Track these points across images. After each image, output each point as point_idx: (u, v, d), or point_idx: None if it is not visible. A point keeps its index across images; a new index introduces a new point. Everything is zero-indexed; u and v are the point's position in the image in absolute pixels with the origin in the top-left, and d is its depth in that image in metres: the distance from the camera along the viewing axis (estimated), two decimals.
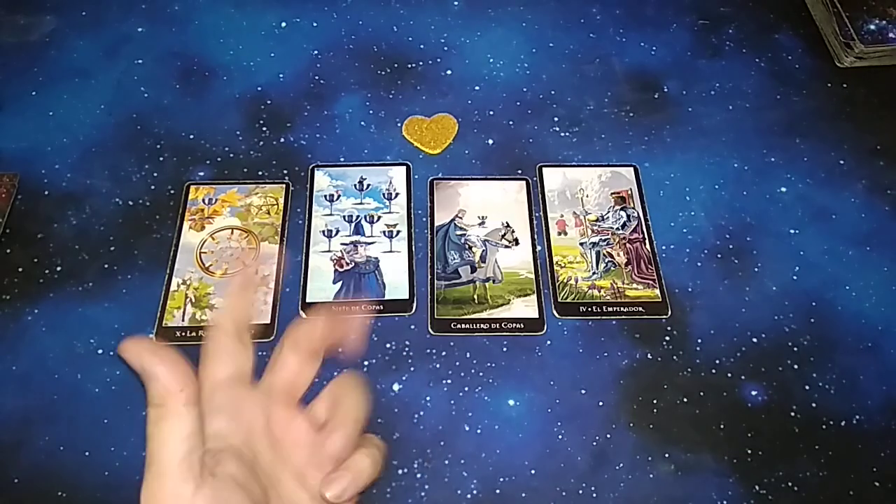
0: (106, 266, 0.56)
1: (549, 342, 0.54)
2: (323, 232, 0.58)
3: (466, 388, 0.52)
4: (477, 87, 0.68)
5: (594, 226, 0.60)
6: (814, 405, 0.52)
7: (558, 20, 0.73)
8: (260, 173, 0.62)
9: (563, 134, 0.65)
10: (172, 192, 0.60)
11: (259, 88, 0.67)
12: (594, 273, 0.57)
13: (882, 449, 0.50)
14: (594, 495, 0.48)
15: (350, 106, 0.66)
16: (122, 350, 0.32)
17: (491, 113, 0.66)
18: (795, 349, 0.54)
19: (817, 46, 0.72)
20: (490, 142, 0.64)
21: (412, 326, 0.54)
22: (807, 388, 0.53)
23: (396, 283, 0.56)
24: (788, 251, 0.59)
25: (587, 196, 0.61)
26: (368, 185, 0.61)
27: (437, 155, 0.63)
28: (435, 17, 0.73)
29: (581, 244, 0.59)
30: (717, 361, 0.54)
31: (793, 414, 0.52)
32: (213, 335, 0.34)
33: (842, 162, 0.65)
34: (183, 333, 0.53)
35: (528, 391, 0.52)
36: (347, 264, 0.57)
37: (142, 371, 0.31)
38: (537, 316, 0.55)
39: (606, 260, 0.58)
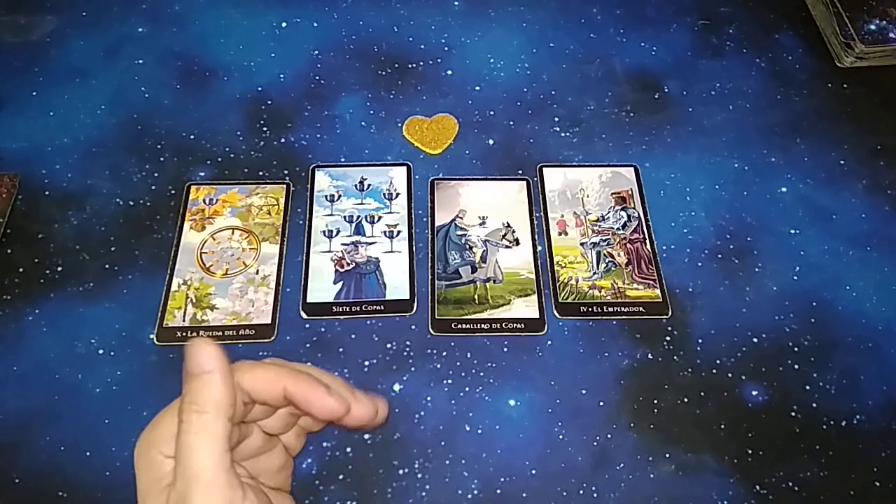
0: (106, 266, 0.56)
1: (549, 342, 0.54)
2: (323, 232, 0.58)
3: (467, 388, 0.52)
4: (477, 88, 0.68)
5: (595, 226, 0.60)
6: (814, 405, 0.52)
7: (559, 20, 0.73)
8: (260, 173, 0.62)
9: (563, 134, 0.65)
10: (173, 192, 0.60)
11: (260, 88, 0.67)
12: (595, 273, 0.57)
13: (883, 449, 0.51)
14: (595, 495, 0.48)
15: (350, 106, 0.66)
16: (195, 348, 0.31)
17: (491, 113, 0.66)
18: (796, 349, 0.54)
19: (818, 46, 0.72)
20: (490, 142, 0.64)
21: (413, 326, 0.54)
22: (807, 388, 0.53)
23: (397, 284, 0.56)
24: (789, 251, 0.59)
25: (588, 196, 0.61)
26: (369, 186, 0.61)
27: (437, 155, 0.63)
28: (435, 17, 0.73)
29: (582, 244, 0.59)
30: (718, 361, 0.54)
31: (793, 414, 0.52)
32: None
33: (842, 162, 0.65)
34: (183, 334, 0.53)
35: (528, 391, 0.52)
36: (348, 264, 0.57)
37: (201, 372, 0.31)
38: (538, 316, 0.55)
39: (607, 260, 0.58)
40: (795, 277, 0.58)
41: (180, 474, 0.30)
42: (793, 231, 0.60)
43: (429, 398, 0.51)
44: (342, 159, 0.63)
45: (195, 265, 0.56)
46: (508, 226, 0.59)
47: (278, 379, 0.33)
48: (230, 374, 0.32)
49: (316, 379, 0.33)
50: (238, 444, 0.35)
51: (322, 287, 0.56)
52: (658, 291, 0.56)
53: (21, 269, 0.56)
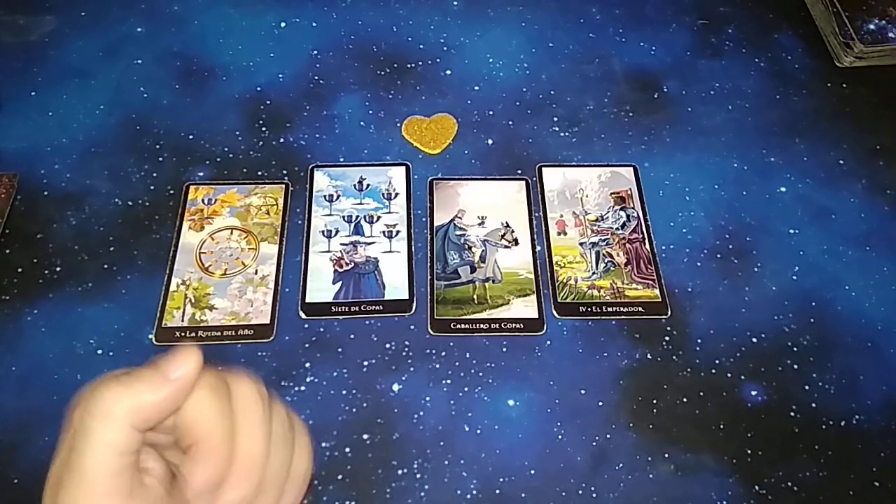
0: (105, 266, 0.56)
1: (548, 342, 0.54)
2: (322, 232, 0.58)
3: (466, 389, 0.52)
4: (476, 87, 0.68)
5: (594, 226, 0.60)
6: (813, 405, 0.52)
7: (558, 20, 0.73)
8: (259, 173, 0.61)
9: (562, 134, 0.65)
10: (172, 192, 0.60)
11: (258, 88, 0.67)
12: (594, 273, 0.57)
13: (882, 449, 0.50)
14: (594, 495, 0.48)
15: (349, 106, 0.66)
16: (183, 355, 0.29)
17: (490, 113, 0.66)
18: (795, 349, 0.54)
19: (817, 46, 0.72)
20: (490, 142, 0.64)
21: (412, 327, 0.54)
22: (806, 388, 0.53)
23: (396, 284, 0.56)
24: (788, 251, 0.59)
25: (587, 196, 0.61)
26: (368, 186, 0.61)
27: (436, 155, 0.63)
28: (434, 17, 0.73)
29: (581, 244, 0.59)
30: (717, 361, 0.54)
31: (793, 414, 0.52)
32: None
33: (841, 162, 0.65)
34: (182, 334, 0.53)
35: (527, 391, 0.52)
36: (347, 264, 0.57)
37: (164, 374, 0.29)
38: (537, 316, 0.55)
39: (606, 260, 0.58)
40: (794, 277, 0.58)
41: (70, 458, 0.28)
42: (792, 231, 0.60)
43: (428, 398, 0.51)
44: (341, 159, 0.63)
45: (194, 265, 0.56)
46: (507, 226, 0.59)
47: (214, 429, 0.29)
48: (181, 398, 0.29)
49: (215, 467, 0.29)
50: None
51: (321, 287, 0.56)
52: (657, 291, 0.56)
53: (20, 269, 0.56)
